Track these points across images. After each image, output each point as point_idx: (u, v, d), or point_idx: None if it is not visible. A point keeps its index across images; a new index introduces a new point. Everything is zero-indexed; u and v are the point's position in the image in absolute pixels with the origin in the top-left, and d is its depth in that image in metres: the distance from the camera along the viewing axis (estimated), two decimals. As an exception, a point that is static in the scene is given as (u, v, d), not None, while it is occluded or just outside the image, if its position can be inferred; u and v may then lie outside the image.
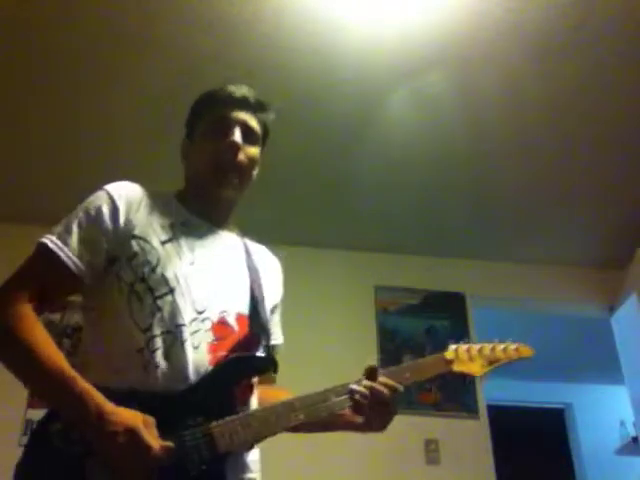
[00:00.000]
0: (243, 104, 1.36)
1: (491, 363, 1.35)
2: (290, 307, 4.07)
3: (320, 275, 3.67)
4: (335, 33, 2.54)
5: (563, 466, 5.43)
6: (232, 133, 1.32)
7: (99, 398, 1.05)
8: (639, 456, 5.09)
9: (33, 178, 3.26)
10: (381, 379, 1.24)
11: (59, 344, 3.28)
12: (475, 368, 1.34)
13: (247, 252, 1.39)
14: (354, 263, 3.76)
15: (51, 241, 1.19)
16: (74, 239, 1.20)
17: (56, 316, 3.39)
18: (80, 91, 2.78)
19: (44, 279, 1.19)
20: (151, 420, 1.05)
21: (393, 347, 3.57)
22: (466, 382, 3.44)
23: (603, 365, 4.53)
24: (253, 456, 1.23)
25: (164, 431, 1.05)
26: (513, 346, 1.38)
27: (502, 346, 1.38)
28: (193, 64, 2.66)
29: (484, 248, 3.81)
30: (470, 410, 3.46)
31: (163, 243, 1.23)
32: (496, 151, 3.16)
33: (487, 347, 1.37)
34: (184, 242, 1.26)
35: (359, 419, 1.27)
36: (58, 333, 3.36)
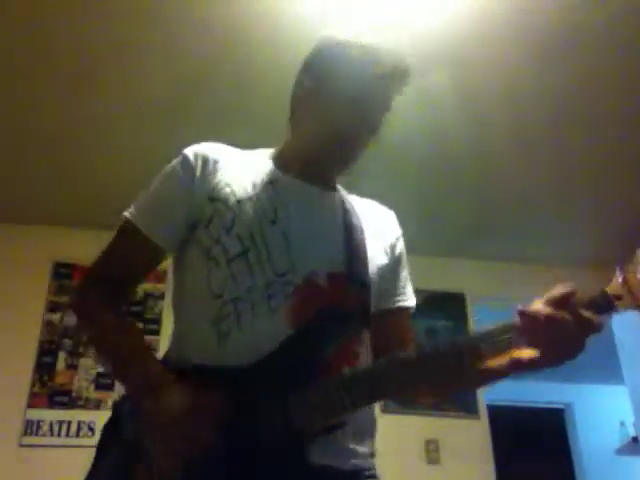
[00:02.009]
0: (401, 81, 1.24)
1: None
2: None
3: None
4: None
5: (563, 466, 5.44)
6: (374, 124, 1.23)
7: (162, 375, 1.02)
8: (639, 456, 5.09)
9: (33, 178, 3.26)
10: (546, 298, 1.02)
11: (59, 344, 3.32)
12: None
13: (348, 210, 1.23)
14: (354, 263, 3.76)
15: (130, 213, 1.16)
16: (151, 207, 1.16)
17: (56, 316, 3.40)
18: (80, 92, 2.78)
19: (124, 256, 1.17)
20: (205, 403, 0.96)
21: (393, 347, 3.57)
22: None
23: (603, 365, 4.53)
24: (361, 442, 1.06)
25: (236, 410, 0.95)
26: None
27: None
28: (193, 66, 2.66)
29: (484, 248, 3.81)
30: (470, 410, 3.46)
31: (240, 201, 1.12)
32: (496, 151, 3.16)
33: None
34: (267, 200, 1.13)
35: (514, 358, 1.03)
36: (59, 333, 3.37)
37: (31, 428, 3.00)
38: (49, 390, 3.19)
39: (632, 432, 5.05)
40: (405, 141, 3.09)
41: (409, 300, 1.25)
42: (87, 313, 1.15)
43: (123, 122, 2.95)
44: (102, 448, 1.08)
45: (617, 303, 1.03)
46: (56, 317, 3.39)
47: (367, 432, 1.09)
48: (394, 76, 1.20)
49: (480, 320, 3.76)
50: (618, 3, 2.43)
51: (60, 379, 3.23)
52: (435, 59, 2.65)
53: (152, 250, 1.14)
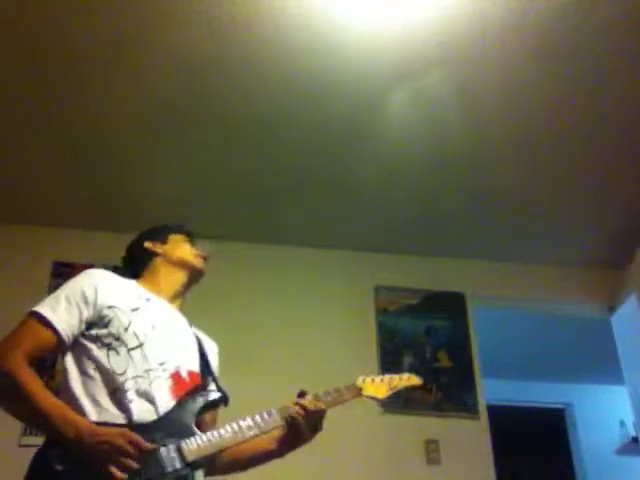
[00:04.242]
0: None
1: (391, 389, 1.75)
2: (290, 307, 4.09)
3: (320, 275, 3.67)
4: (335, 33, 2.54)
5: (563, 466, 5.43)
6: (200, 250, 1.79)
7: (85, 420, 1.36)
8: (639, 456, 5.09)
9: (33, 179, 3.26)
10: (308, 398, 1.56)
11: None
12: (380, 392, 1.72)
13: (191, 325, 1.74)
14: (354, 263, 3.76)
15: (44, 310, 1.47)
16: (62, 309, 1.48)
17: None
18: (80, 92, 2.79)
19: (36, 341, 1.47)
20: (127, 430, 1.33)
21: (393, 347, 3.57)
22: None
23: (603, 365, 4.53)
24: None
25: (141, 452, 1.31)
26: (405, 375, 1.80)
27: (398, 376, 1.79)
28: (193, 65, 2.66)
29: (484, 248, 3.81)
30: (470, 410, 3.46)
31: (133, 310, 1.56)
32: (496, 151, 3.16)
33: (387, 377, 1.77)
34: (148, 311, 1.59)
35: (274, 444, 1.61)
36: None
37: (31, 428, 3.00)
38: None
39: (632, 432, 5.05)
40: (405, 141, 3.09)
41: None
42: (15, 370, 1.40)
43: (124, 123, 2.95)
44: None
45: (362, 391, 1.71)
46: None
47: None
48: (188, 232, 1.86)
49: (480, 320, 3.76)
50: (618, 3, 2.43)
51: (60, 379, 3.22)
52: (435, 59, 2.65)
53: (57, 342, 1.48)
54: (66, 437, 1.31)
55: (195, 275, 1.76)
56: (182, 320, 1.71)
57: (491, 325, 3.84)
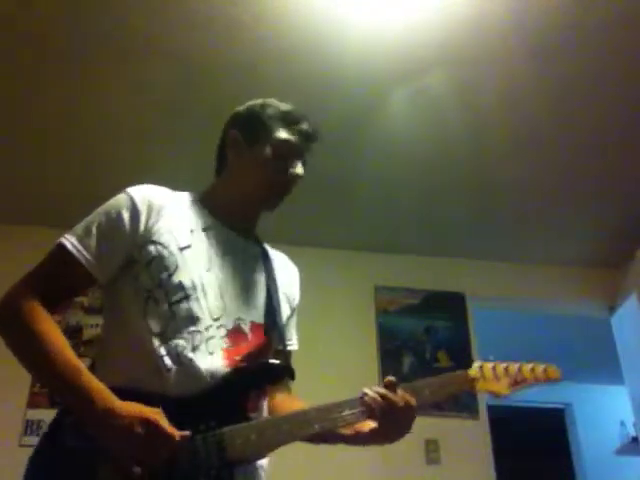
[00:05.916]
0: (312, 141, 1.43)
1: (517, 383, 1.31)
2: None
3: (320, 275, 3.67)
4: (336, 33, 2.54)
5: (563, 466, 5.43)
6: (298, 166, 1.37)
7: (107, 394, 1.06)
8: (639, 456, 5.09)
9: (33, 179, 3.26)
10: (400, 392, 1.22)
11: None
12: (500, 388, 1.30)
13: (266, 260, 1.40)
14: (354, 263, 3.77)
15: (70, 242, 1.21)
16: (92, 240, 1.21)
17: (57, 317, 3.39)
18: (79, 91, 2.78)
19: (59, 278, 1.22)
20: (160, 411, 1.05)
21: (393, 347, 3.57)
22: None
23: (603, 365, 4.53)
24: (262, 461, 1.23)
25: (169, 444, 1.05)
26: (541, 367, 1.34)
27: (529, 366, 1.33)
28: (194, 64, 2.66)
29: (484, 248, 3.81)
30: (470, 410, 3.46)
31: (182, 249, 1.24)
32: (496, 151, 3.16)
33: (514, 366, 1.32)
34: (203, 249, 1.27)
35: (369, 430, 1.25)
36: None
37: (31, 428, 3.00)
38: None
39: (632, 432, 5.05)
40: (405, 141, 3.09)
41: (295, 345, 1.47)
42: (26, 316, 1.15)
43: (125, 123, 2.95)
44: (49, 469, 1.10)
45: (474, 384, 1.29)
46: (56, 317, 3.39)
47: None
48: (308, 134, 1.42)
49: (480, 320, 3.76)
50: (618, 3, 2.43)
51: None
52: (435, 59, 2.65)
53: (87, 279, 1.22)
54: (76, 409, 1.08)
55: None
56: (251, 253, 1.38)
57: (491, 325, 3.84)
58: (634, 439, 5.04)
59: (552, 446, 5.55)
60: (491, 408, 3.57)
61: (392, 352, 3.55)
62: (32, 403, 3.08)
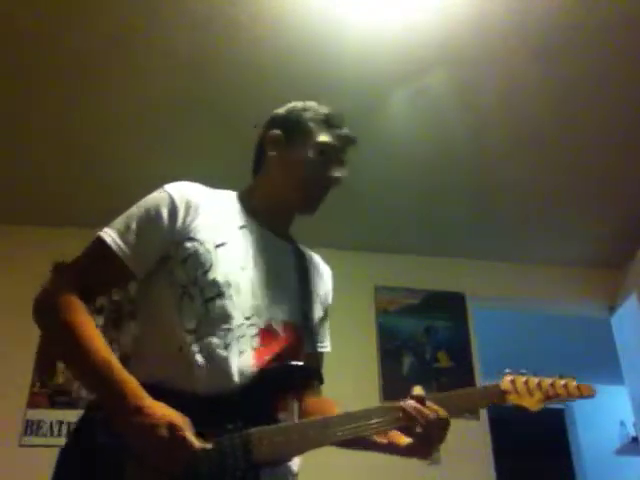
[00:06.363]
0: (352, 145, 1.47)
1: (549, 398, 1.31)
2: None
3: (320, 275, 3.66)
4: (334, 33, 2.54)
5: (563, 466, 5.43)
6: (340, 169, 1.40)
7: (139, 390, 1.07)
8: (639, 456, 5.09)
9: (33, 179, 3.26)
10: (429, 404, 1.21)
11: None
12: (532, 403, 1.29)
13: (300, 260, 1.42)
14: (354, 263, 3.76)
15: (110, 237, 1.21)
16: (132, 236, 1.22)
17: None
18: (79, 91, 2.78)
19: (98, 273, 1.23)
20: (188, 420, 1.05)
21: (393, 347, 3.57)
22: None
23: (603, 365, 4.53)
24: (293, 466, 1.23)
25: (201, 433, 1.05)
26: (574, 383, 1.33)
27: (563, 382, 1.32)
28: (193, 65, 2.66)
29: (484, 248, 3.81)
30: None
31: (217, 247, 1.25)
32: (496, 151, 3.16)
33: (546, 381, 1.32)
34: (239, 246, 1.28)
35: (402, 442, 1.27)
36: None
37: (31, 428, 3.00)
38: (49, 390, 3.19)
39: (632, 432, 5.05)
40: (405, 141, 3.09)
41: (327, 347, 1.50)
42: (63, 309, 1.15)
43: (125, 123, 2.95)
44: (79, 455, 1.10)
45: (506, 397, 1.29)
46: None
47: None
48: (348, 138, 1.45)
49: (480, 320, 3.76)
50: (618, 3, 2.43)
51: (60, 379, 3.23)
52: (435, 60, 2.65)
53: (125, 274, 1.22)
54: (110, 402, 1.08)
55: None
56: (285, 253, 1.40)
57: (491, 325, 3.84)
58: (634, 439, 5.04)
59: (552, 446, 5.55)
60: (491, 408, 3.57)
61: (392, 352, 3.55)
62: (32, 403, 3.08)
